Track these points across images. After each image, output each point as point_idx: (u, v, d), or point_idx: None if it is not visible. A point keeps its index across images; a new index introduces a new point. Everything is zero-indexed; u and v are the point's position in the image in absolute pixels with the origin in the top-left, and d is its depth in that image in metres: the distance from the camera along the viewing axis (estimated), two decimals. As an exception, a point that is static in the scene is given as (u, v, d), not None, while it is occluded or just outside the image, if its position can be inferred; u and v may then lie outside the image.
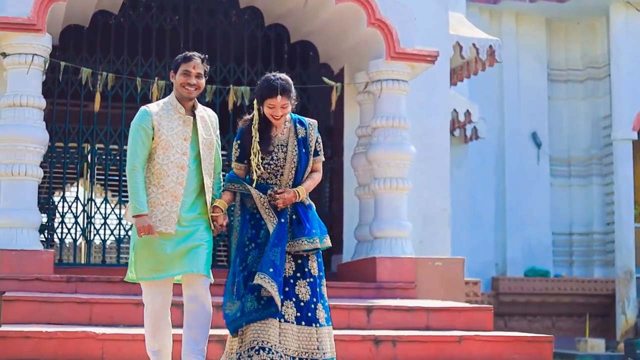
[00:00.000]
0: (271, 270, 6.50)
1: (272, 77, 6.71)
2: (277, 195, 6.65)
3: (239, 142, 6.85)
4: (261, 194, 6.70)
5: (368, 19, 11.56)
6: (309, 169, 6.86)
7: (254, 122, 6.78)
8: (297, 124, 6.86)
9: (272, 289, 6.47)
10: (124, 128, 12.27)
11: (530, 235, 18.06)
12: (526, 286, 17.53)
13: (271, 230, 6.63)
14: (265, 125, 6.78)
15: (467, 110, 15.78)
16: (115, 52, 12.83)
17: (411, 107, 12.70)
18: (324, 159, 7.03)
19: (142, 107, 6.83)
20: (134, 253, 6.82)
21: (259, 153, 6.73)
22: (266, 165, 6.75)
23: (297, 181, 6.80)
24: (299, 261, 6.72)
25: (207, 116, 6.97)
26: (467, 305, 10.47)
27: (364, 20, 11.60)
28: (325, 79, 12.08)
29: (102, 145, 12.95)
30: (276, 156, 6.76)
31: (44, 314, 9.22)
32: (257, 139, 6.73)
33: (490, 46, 13.50)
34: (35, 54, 10.77)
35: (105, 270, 12.07)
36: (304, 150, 6.82)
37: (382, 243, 11.65)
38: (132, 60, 12.81)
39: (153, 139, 6.69)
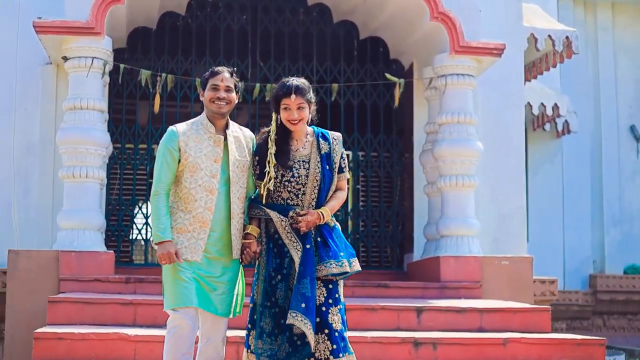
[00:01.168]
0: (303, 305, 6.06)
1: (287, 79, 6.39)
2: (300, 218, 6.19)
3: (256, 157, 6.40)
4: (282, 217, 6.24)
5: (431, 12, 11.31)
6: (333, 187, 6.37)
7: (270, 133, 6.35)
8: (320, 139, 6.39)
9: (306, 328, 6.04)
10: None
11: (629, 231, 17.41)
12: (625, 284, 16.92)
13: (296, 258, 6.18)
14: (284, 137, 6.35)
15: (555, 104, 15.30)
16: (183, 53, 12.88)
17: (485, 103, 12.49)
18: (348, 176, 6.57)
19: (170, 127, 6.44)
20: (165, 281, 6.38)
21: (276, 166, 6.26)
22: (286, 183, 6.28)
23: (321, 201, 6.31)
24: (330, 286, 6.25)
25: (242, 136, 6.48)
26: (524, 305, 10.12)
27: (427, 14, 11.36)
28: (388, 75, 11.89)
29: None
30: (297, 173, 6.28)
31: (88, 315, 9.30)
32: (273, 151, 6.27)
33: (567, 37, 13.04)
34: (95, 57, 10.89)
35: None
36: (327, 167, 6.34)
37: (448, 241, 11.41)
38: (199, 61, 12.85)
39: (180, 161, 6.27)
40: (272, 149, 6.29)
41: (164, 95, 12.20)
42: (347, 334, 6.36)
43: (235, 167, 6.33)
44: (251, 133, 6.59)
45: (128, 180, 12.81)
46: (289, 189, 6.29)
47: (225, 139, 6.36)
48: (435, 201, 11.96)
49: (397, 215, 13.24)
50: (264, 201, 6.32)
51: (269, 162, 6.26)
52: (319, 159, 6.32)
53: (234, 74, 6.48)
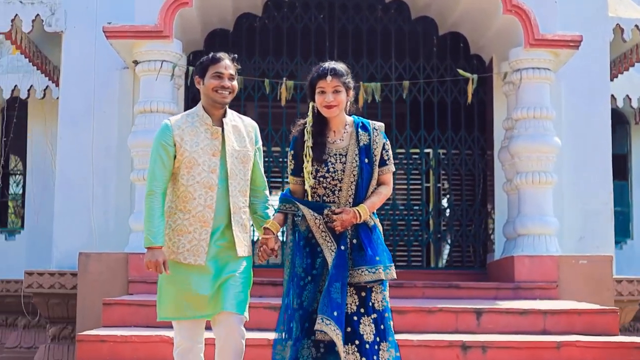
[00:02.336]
0: (336, 314, 5.61)
1: (325, 63, 5.95)
2: (334, 216, 5.72)
3: (292, 151, 5.97)
4: (316, 214, 5.77)
5: (504, 5, 11.02)
6: (373, 182, 5.86)
7: (307, 125, 5.93)
8: (359, 129, 5.89)
9: (337, 338, 5.59)
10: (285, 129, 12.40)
11: None
12: None
13: (329, 259, 5.71)
14: (321, 128, 5.90)
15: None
16: (261, 54, 12.88)
17: (568, 97, 12.13)
18: (393, 169, 5.98)
19: (164, 121, 6.03)
20: (159, 288, 6.00)
21: (311, 160, 5.82)
22: (321, 179, 5.81)
23: (359, 198, 5.82)
24: (363, 294, 5.76)
25: (242, 125, 6.03)
26: (589, 306, 9.74)
27: (500, 7, 11.08)
28: (460, 71, 11.68)
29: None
30: (333, 167, 5.80)
31: (141, 317, 9.37)
32: (310, 144, 5.84)
33: (657, 27, 12.49)
34: (164, 60, 11.01)
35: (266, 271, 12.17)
36: (366, 160, 5.82)
37: (524, 240, 11.10)
38: (277, 61, 12.83)
39: (175, 157, 5.84)
40: (308, 141, 5.85)
41: (255, 96, 12.27)
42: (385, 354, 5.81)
43: (234, 158, 5.89)
44: (252, 121, 6.17)
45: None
46: (325, 184, 5.83)
47: (223, 129, 5.92)
48: (513, 199, 11.65)
49: (479, 214, 12.95)
50: (308, 197, 5.87)
51: (306, 155, 5.83)
52: (357, 152, 5.83)
53: (235, 60, 6.06)
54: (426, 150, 13.04)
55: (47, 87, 13.58)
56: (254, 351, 7.50)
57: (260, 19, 12.93)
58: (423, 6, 12.65)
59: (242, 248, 5.90)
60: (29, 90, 13.60)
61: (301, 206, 5.83)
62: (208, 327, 6.06)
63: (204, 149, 5.86)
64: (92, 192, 11.83)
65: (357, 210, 5.74)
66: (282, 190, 6.48)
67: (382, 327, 5.81)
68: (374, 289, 5.78)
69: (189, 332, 5.94)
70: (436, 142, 12.91)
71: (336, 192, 5.83)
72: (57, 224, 11.94)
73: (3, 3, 12.04)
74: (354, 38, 13.04)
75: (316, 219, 5.76)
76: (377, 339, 5.78)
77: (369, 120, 5.96)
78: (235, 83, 5.99)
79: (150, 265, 5.79)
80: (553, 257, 10.84)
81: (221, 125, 5.93)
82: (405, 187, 13.08)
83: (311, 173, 5.81)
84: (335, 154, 5.84)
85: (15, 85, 13.77)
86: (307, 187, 5.84)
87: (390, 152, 5.97)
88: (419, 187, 13.23)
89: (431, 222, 13.22)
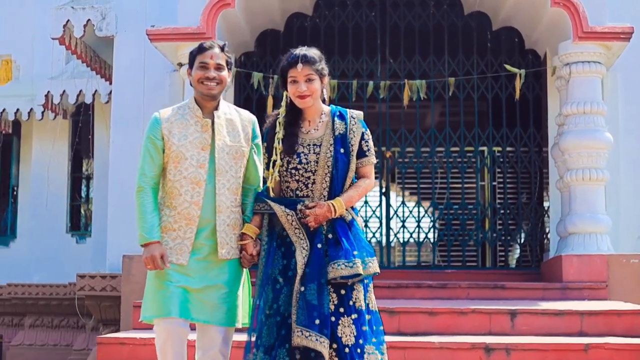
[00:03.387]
0: (318, 322, 5.23)
1: (296, 49, 5.65)
2: (307, 211, 5.35)
3: (265, 144, 5.59)
4: (288, 211, 5.38)
5: (552, -2, 10.77)
6: (350, 175, 5.47)
7: (279, 115, 5.59)
8: (336, 118, 5.52)
9: (323, 347, 5.20)
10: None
11: None
12: None
13: (299, 258, 5.31)
14: (294, 118, 5.56)
15: None
16: (312, 54, 12.78)
17: (625, 91, 11.77)
18: (374, 161, 5.59)
19: (154, 114, 5.75)
20: (146, 288, 5.69)
21: (281, 152, 5.47)
22: (293, 171, 5.44)
23: (335, 191, 5.43)
24: (342, 292, 5.33)
25: (237, 119, 5.70)
26: (631, 307, 9.37)
27: (548, 0, 10.80)
28: (507, 66, 11.45)
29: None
30: (305, 158, 5.43)
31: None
32: (281, 135, 5.49)
33: None
34: (215, 62, 11.00)
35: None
36: (341, 150, 5.45)
37: (575, 239, 10.78)
38: (329, 60, 12.66)
39: (164, 151, 5.58)
40: (279, 133, 5.49)
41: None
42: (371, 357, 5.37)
43: (225, 153, 5.56)
44: (251, 116, 5.81)
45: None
46: (297, 177, 5.44)
47: (214, 122, 5.61)
48: (566, 197, 11.33)
49: (535, 212, 12.63)
50: (271, 194, 5.49)
51: (275, 148, 5.47)
52: (332, 142, 5.45)
53: (225, 49, 5.76)
54: (481, 148, 12.78)
55: (110, 91, 13.76)
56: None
57: (311, 19, 12.86)
58: (476, 1, 12.41)
59: (226, 250, 5.57)
60: (93, 95, 13.79)
61: (271, 203, 5.45)
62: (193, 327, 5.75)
63: (192, 142, 5.56)
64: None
65: (332, 204, 5.37)
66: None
67: (364, 328, 5.34)
68: (355, 287, 5.35)
69: (173, 334, 5.50)
70: (491, 139, 12.62)
71: (309, 185, 5.45)
72: (110, 227, 12.06)
73: (55, 9, 12.25)
74: (406, 35, 12.86)
75: (288, 215, 5.38)
76: (360, 341, 5.31)
77: (348, 109, 5.62)
78: (224, 73, 5.64)
79: (148, 262, 5.47)
80: (602, 256, 10.51)
81: (212, 117, 5.63)
82: (460, 185, 12.83)
83: (282, 165, 5.46)
84: (309, 145, 5.48)
85: (81, 90, 13.98)
86: (269, 182, 5.52)
87: (370, 142, 5.57)
88: (474, 185, 12.98)
89: (486, 221, 12.95)
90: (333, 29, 12.90)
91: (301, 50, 5.63)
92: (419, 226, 12.83)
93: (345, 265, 5.27)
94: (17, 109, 14.46)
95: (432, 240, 12.97)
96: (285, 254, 5.44)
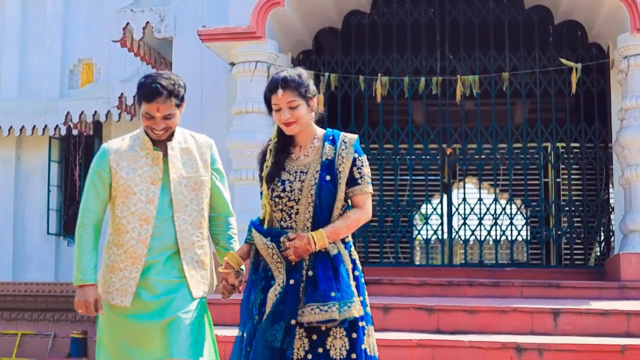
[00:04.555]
0: None
1: (278, 72, 5.09)
2: (287, 243, 4.84)
3: (259, 172, 5.20)
4: (268, 243, 4.88)
5: (609, -10, 10.48)
6: (338, 204, 4.91)
7: (270, 141, 5.16)
8: (326, 142, 5.00)
9: None
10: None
11: None
12: None
13: (270, 296, 4.83)
14: (285, 144, 5.09)
15: None
16: (370, 51, 12.70)
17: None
18: (369, 190, 4.98)
19: (103, 144, 5.33)
20: (97, 337, 5.32)
21: (265, 179, 5.06)
22: (276, 199, 4.96)
23: (319, 222, 4.90)
24: (314, 337, 4.81)
25: (194, 146, 5.26)
26: (681, 307, 9.05)
27: (605, -8, 10.54)
28: (563, 60, 11.16)
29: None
30: (290, 186, 4.95)
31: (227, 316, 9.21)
32: (269, 163, 5.06)
33: None
34: (258, 61, 11.04)
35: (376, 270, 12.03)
36: (327, 178, 4.91)
37: (635, 237, 10.53)
38: (387, 58, 12.62)
39: (112, 185, 5.16)
40: (268, 161, 5.06)
41: (365, 94, 12.07)
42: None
43: (182, 186, 5.15)
44: (208, 140, 5.39)
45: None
46: (280, 206, 4.96)
47: (166, 155, 5.17)
48: (627, 193, 10.99)
49: (600, 209, 12.28)
50: (266, 224, 5.03)
51: (262, 176, 5.07)
52: (318, 169, 4.93)
53: (176, 87, 5.12)
54: (544, 144, 12.48)
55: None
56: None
57: (369, 16, 12.75)
58: (536, -6, 12.18)
59: (198, 289, 5.16)
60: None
61: (254, 233, 4.99)
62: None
63: (142, 176, 5.15)
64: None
65: (311, 236, 4.82)
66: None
67: None
68: (331, 333, 4.80)
69: None
70: (554, 135, 12.32)
71: (293, 216, 4.95)
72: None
73: (115, 12, 12.42)
74: (466, 31, 12.65)
75: (268, 247, 4.88)
76: None
77: (342, 132, 5.05)
78: (174, 120, 5.11)
79: (79, 306, 5.06)
80: (661, 255, 10.17)
81: (164, 148, 5.18)
82: (522, 182, 12.55)
83: (268, 195, 4.99)
84: (296, 172, 4.99)
85: (137, 92, 14.12)
86: (263, 214, 5.05)
87: (365, 169, 4.97)
88: (537, 182, 12.69)
89: (550, 219, 12.65)
90: (391, 26, 12.77)
91: (281, 74, 5.02)
92: (480, 224, 12.60)
93: (320, 309, 4.73)
94: (95, 111, 14.68)
95: (493, 237, 12.70)
96: (264, 288, 4.94)
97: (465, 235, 12.73)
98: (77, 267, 5.08)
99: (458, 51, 12.50)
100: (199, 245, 5.18)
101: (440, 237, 12.61)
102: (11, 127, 15.29)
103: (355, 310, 4.76)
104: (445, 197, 12.87)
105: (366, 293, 4.96)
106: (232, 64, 11.28)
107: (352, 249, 5.01)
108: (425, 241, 12.74)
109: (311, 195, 4.90)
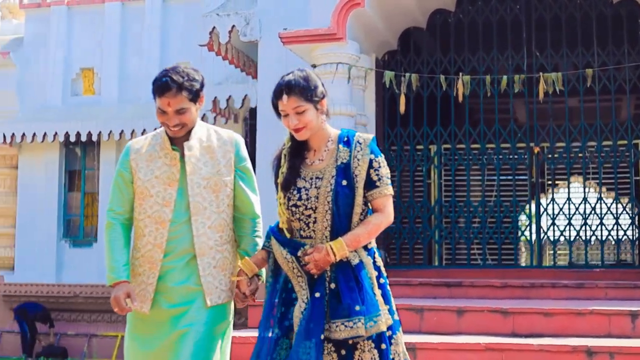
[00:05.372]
0: None
1: (284, 76, 4.83)
2: (305, 257, 4.61)
3: (274, 178, 4.93)
4: (288, 256, 4.69)
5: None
6: (357, 210, 4.69)
7: (284, 146, 4.93)
8: (341, 144, 4.76)
9: None
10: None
11: None
12: None
13: (296, 312, 4.63)
14: (299, 149, 4.85)
15: None
16: (456, 50, 12.57)
17: None
18: (390, 192, 4.75)
19: (128, 143, 5.17)
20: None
21: (280, 187, 4.83)
22: (293, 208, 4.74)
23: (338, 230, 4.66)
24: (343, 352, 4.60)
25: (216, 144, 5.02)
26: None
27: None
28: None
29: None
30: (306, 194, 4.72)
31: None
32: (284, 169, 4.81)
33: None
34: (339, 63, 11.03)
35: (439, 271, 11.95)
36: (344, 183, 4.68)
37: None
38: (473, 56, 12.47)
39: (133, 185, 5.00)
40: (283, 167, 4.82)
41: (451, 93, 11.95)
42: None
43: (201, 188, 4.92)
44: (234, 137, 5.10)
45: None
46: (298, 215, 4.73)
47: (183, 155, 4.96)
48: None
49: None
50: (286, 234, 4.84)
51: (279, 183, 4.83)
52: (333, 174, 4.70)
53: (188, 80, 4.87)
54: (635, 141, 12.17)
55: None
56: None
57: (454, 15, 12.63)
58: (626, -14, 11.89)
59: (214, 296, 4.91)
60: (243, 100, 14.04)
61: (273, 243, 4.81)
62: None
63: (159, 177, 4.94)
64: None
65: (330, 246, 4.58)
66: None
67: None
68: (359, 346, 4.58)
69: None
70: (646, 131, 12.03)
71: (311, 225, 4.72)
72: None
73: (202, 17, 12.56)
74: (552, 27, 12.41)
75: (288, 261, 4.69)
76: None
77: (357, 133, 4.83)
78: (187, 116, 4.88)
79: (113, 305, 4.83)
80: None
81: (182, 148, 4.97)
82: (613, 181, 12.26)
83: (284, 203, 4.77)
84: (312, 178, 4.75)
85: (246, 95, 14.30)
86: (281, 224, 4.85)
87: (382, 170, 4.73)
88: (628, 180, 12.38)
89: (643, 218, 12.36)
90: (477, 24, 12.61)
91: (285, 78, 4.80)
92: (570, 224, 12.36)
93: (345, 326, 4.51)
94: (188, 116, 14.83)
95: (583, 238, 12.44)
96: (285, 301, 4.76)
97: (554, 235, 12.49)
98: (107, 266, 4.90)
99: (545, 48, 12.29)
100: (218, 249, 4.95)
101: (528, 238, 12.42)
102: (111, 131, 15.65)
103: (383, 324, 4.55)
104: (534, 197, 12.66)
105: (392, 300, 4.76)
106: (314, 66, 11.28)
107: (376, 255, 4.80)
108: (513, 242, 12.53)
109: (328, 202, 4.66)
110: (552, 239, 12.58)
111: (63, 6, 16.65)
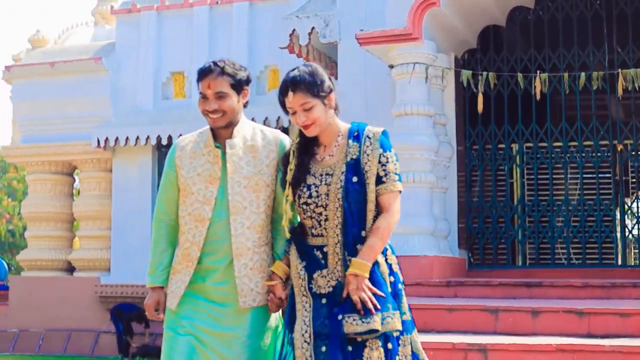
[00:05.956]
0: None
1: (288, 72, 4.70)
2: (354, 299, 4.41)
3: (282, 175, 4.84)
4: (302, 272, 4.62)
5: None
6: (370, 207, 4.54)
7: (292, 143, 4.83)
8: (350, 139, 4.64)
9: None
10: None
11: None
12: None
13: (299, 335, 4.53)
14: (308, 145, 4.74)
15: None
16: (536, 47, 12.43)
17: None
18: (398, 188, 4.59)
19: (176, 140, 5.15)
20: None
21: (289, 185, 4.72)
22: (304, 206, 4.63)
23: (350, 230, 4.54)
24: (349, 348, 4.46)
25: (260, 143, 4.89)
26: None
27: None
28: None
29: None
30: (316, 191, 4.60)
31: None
32: (293, 166, 4.72)
33: None
34: (416, 62, 11.06)
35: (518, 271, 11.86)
36: (354, 179, 4.55)
37: None
38: (554, 53, 12.32)
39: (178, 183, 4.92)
40: (292, 163, 4.72)
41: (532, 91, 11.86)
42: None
43: (241, 187, 4.78)
44: (280, 136, 4.95)
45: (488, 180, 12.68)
46: (309, 213, 4.62)
47: (225, 152, 4.84)
48: None
49: None
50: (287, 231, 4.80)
51: (287, 181, 4.73)
52: (343, 169, 4.57)
53: (231, 67, 4.80)
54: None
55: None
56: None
57: (534, 12, 12.51)
58: None
59: (250, 297, 4.78)
60: (329, 101, 14.07)
61: (292, 249, 4.73)
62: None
63: (201, 174, 4.83)
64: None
65: (353, 273, 4.44)
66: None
67: None
68: (367, 344, 4.46)
69: None
70: None
71: (322, 223, 4.60)
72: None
73: (282, 19, 12.67)
74: (634, 22, 12.20)
75: (300, 278, 4.62)
76: None
77: (367, 127, 4.70)
78: (228, 102, 4.76)
79: (146, 309, 4.88)
80: None
81: (224, 145, 4.85)
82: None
83: (295, 201, 4.68)
84: (322, 174, 4.64)
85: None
86: (284, 222, 4.75)
87: (391, 165, 4.61)
88: None
89: None
90: (557, 20, 12.47)
91: (290, 74, 4.65)
92: (655, 222, 12.16)
93: (362, 321, 4.40)
94: (279, 117, 14.92)
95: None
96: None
97: (639, 234, 12.29)
98: (148, 268, 4.92)
99: (626, 43, 12.09)
100: (256, 250, 4.79)
101: (612, 237, 12.24)
102: (202, 133, 15.79)
103: (397, 322, 4.46)
104: (617, 195, 12.46)
105: (403, 300, 4.62)
106: (391, 66, 11.33)
107: (389, 252, 4.65)
108: (597, 241, 12.34)
109: (338, 199, 4.53)
110: (636, 237, 12.37)
111: (153, 11, 16.91)
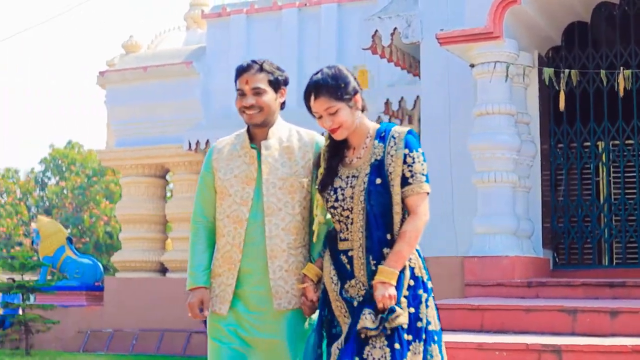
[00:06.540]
0: None
1: (313, 75, 4.66)
2: (379, 307, 4.35)
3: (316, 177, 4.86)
4: (335, 283, 4.56)
5: None
6: (397, 209, 4.46)
7: (323, 146, 4.80)
8: (377, 140, 4.57)
9: None
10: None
11: None
12: None
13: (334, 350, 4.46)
14: (338, 148, 4.70)
15: None
16: (623, 43, 12.18)
17: None
18: (425, 190, 4.49)
19: (214, 143, 5.15)
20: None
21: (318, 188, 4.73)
22: (332, 210, 4.59)
23: (374, 233, 4.47)
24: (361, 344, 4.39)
25: (296, 145, 4.88)
26: None
27: None
28: None
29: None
30: (342, 194, 4.55)
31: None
32: (323, 168, 4.70)
33: None
34: (497, 61, 10.96)
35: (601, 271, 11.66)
36: (377, 181, 4.47)
37: None
38: (640, 49, 12.11)
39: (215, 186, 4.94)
40: (322, 167, 4.72)
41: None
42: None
43: (277, 189, 4.78)
44: (315, 137, 4.92)
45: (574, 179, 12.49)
46: (337, 217, 4.57)
47: (260, 153, 4.85)
48: None
49: None
50: (315, 236, 4.82)
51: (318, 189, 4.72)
52: (368, 171, 4.51)
53: (270, 65, 4.83)
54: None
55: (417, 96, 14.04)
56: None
57: (619, 7, 12.27)
58: None
59: (285, 299, 4.78)
60: (415, 101, 14.07)
61: (326, 256, 4.68)
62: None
63: (238, 176, 4.83)
64: (452, 196, 11.91)
65: (380, 281, 4.36)
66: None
67: None
68: (370, 342, 4.36)
69: None
70: None
71: (349, 226, 4.53)
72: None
73: (365, 20, 12.69)
74: None
75: (337, 301, 4.56)
76: None
77: (395, 127, 4.60)
78: (266, 98, 4.77)
79: (188, 310, 4.86)
80: None
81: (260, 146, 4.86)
82: None
83: (324, 205, 4.65)
84: (348, 177, 4.58)
85: (417, 96, 14.32)
86: (314, 225, 4.77)
87: (417, 165, 4.48)
88: None
89: None
90: (642, 16, 12.26)
91: (313, 78, 4.60)
92: None
93: (370, 314, 4.35)
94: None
95: None
96: (330, 322, 4.63)
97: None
98: (188, 271, 4.91)
99: None
100: (292, 252, 4.79)
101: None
102: (288, 134, 15.90)
103: (403, 317, 4.34)
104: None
105: (429, 308, 4.50)
106: (472, 66, 11.25)
107: (415, 256, 4.52)
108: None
109: (361, 202, 4.46)
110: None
111: (242, 14, 17.11)
